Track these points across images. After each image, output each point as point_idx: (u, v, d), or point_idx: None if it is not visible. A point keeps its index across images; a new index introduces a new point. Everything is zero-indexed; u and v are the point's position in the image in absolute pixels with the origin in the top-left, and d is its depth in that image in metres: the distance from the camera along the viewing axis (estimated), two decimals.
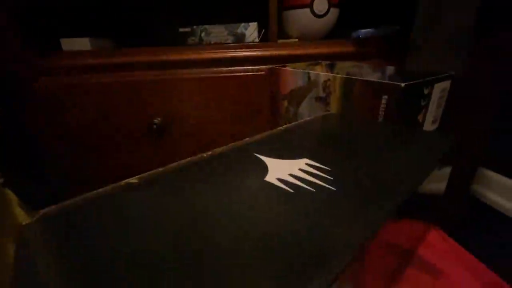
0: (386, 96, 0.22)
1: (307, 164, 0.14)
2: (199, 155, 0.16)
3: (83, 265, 0.08)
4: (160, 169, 0.14)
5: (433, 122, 0.28)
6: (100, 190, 0.12)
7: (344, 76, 0.26)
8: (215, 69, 0.56)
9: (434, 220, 0.18)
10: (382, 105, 0.23)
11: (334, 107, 0.28)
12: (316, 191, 0.11)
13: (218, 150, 0.16)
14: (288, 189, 0.11)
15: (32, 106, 0.54)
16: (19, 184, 0.47)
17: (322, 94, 0.28)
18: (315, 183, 0.12)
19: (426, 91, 0.24)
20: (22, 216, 0.46)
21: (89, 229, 0.09)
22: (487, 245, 0.54)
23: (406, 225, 0.12)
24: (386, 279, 0.12)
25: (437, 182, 0.15)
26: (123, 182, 0.13)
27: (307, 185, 0.12)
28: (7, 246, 0.43)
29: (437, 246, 0.15)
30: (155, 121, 0.56)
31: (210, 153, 0.16)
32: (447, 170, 0.17)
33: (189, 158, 0.15)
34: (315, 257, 0.08)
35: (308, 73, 0.30)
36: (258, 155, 0.15)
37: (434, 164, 0.13)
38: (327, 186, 0.11)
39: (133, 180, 0.13)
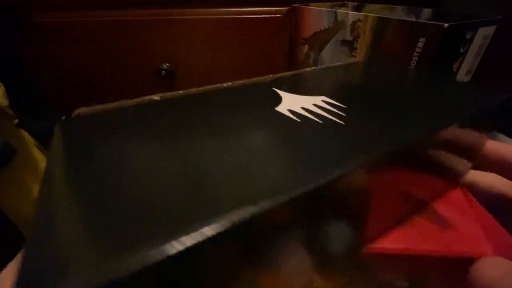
0: (423, 39, 0.20)
1: (323, 101, 0.14)
2: (220, 84, 0.16)
3: (107, 168, 0.08)
4: (181, 92, 0.14)
5: (467, 73, 0.25)
6: (125, 101, 0.13)
7: (377, 15, 0.23)
8: (226, 9, 0.51)
9: None
10: (417, 50, 0.21)
11: (360, 53, 0.25)
12: (323, 123, 0.11)
13: (240, 82, 0.16)
14: (296, 118, 0.11)
15: (28, 44, 0.51)
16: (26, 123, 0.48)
17: (349, 37, 0.26)
18: (325, 116, 0.12)
19: (468, 36, 0.22)
20: (39, 155, 0.48)
21: (117, 133, 0.10)
22: None
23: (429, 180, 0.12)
24: (392, 222, 0.12)
25: None
26: (146, 98, 0.13)
27: (315, 117, 0.12)
28: (31, 183, 0.45)
29: (456, 203, 0.14)
30: (164, 66, 0.53)
31: (230, 83, 0.16)
32: None
33: (208, 86, 0.16)
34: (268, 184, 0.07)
35: (335, 12, 0.27)
36: (276, 89, 0.15)
37: (454, 119, 0.12)
38: (336, 120, 0.11)
39: (155, 97, 0.14)
